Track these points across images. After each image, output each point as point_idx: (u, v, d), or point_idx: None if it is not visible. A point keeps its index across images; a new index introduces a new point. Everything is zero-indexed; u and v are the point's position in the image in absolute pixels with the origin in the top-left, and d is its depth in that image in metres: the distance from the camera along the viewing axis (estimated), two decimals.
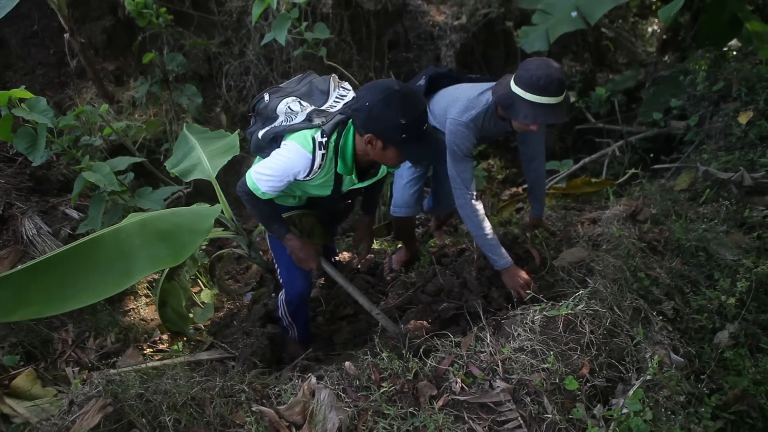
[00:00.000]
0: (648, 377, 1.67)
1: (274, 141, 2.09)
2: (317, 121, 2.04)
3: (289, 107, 2.12)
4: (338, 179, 2.11)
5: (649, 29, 6.91)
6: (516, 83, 2.08)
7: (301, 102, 2.14)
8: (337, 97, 2.19)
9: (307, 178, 2.02)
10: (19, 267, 1.96)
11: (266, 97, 2.24)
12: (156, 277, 3.56)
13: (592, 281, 2.12)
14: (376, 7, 5.10)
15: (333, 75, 2.30)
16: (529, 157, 2.58)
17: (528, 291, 2.17)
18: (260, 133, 2.16)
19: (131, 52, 4.94)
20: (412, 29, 5.24)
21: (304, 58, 4.68)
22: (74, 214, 3.80)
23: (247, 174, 2.06)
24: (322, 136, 1.96)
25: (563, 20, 4.25)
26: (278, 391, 1.88)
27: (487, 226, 2.33)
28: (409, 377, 1.76)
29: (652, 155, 4.39)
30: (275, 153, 2.02)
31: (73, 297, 1.98)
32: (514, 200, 3.98)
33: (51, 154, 3.10)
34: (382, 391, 1.73)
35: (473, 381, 1.72)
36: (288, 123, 2.08)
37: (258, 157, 2.26)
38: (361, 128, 1.88)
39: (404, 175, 2.80)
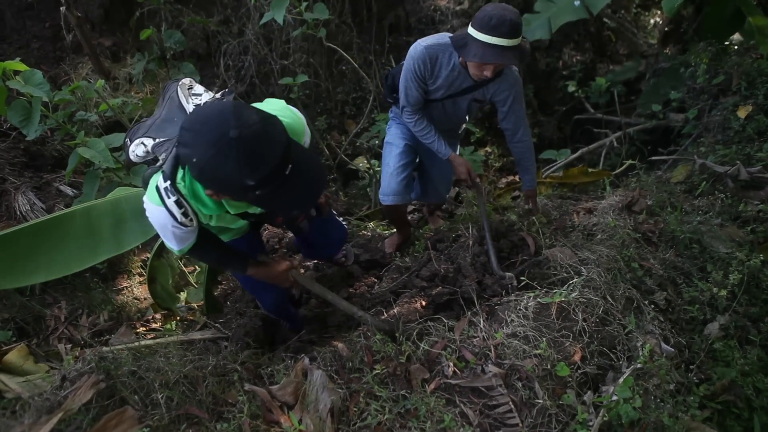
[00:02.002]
0: (638, 366, 1.68)
1: None
2: (162, 158, 1.61)
3: (136, 154, 1.73)
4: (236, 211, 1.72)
5: (651, 21, 6.88)
6: (471, 25, 2.15)
7: (144, 141, 1.71)
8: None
9: (190, 225, 1.62)
10: None
11: (127, 143, 1.80)
12: (150, 255, 3.56)
13: (586, 270, 2.13)
14: None
15: (182, 82, 1.79)
16: (513, 131, 2.59)
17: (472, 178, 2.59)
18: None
19: (128, 28, 4.88)
20: (414, 13, 5.19)
21: (303, 39, 4.64)
22: (68, 190, 3.77)
23: None
24: (165, 180, 1.52)
25: (566, 9, 4.22)
26: (271, 371, 1.89)
27: (424, 128, 2.53)
28: (401, 360, 1.77)
29: (649, 147, 4.40)
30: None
31: (35, 271, 2.02)
32: (511, 188, 3.98)
33: (45, 128, 3.07)
34: (374, 373, 1.74)
35: (465, 365, 1.73)
36: (149, 171, 1.69)
37: None
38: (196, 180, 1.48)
39: (390, 163, 2.77)
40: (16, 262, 1.95)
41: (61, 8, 4.11)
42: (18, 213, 3.54)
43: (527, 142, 2.64)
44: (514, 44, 2.10)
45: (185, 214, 1.55)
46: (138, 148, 1.72)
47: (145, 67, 4.35)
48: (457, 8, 5.25)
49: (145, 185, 1.63)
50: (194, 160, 1.31)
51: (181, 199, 1.53)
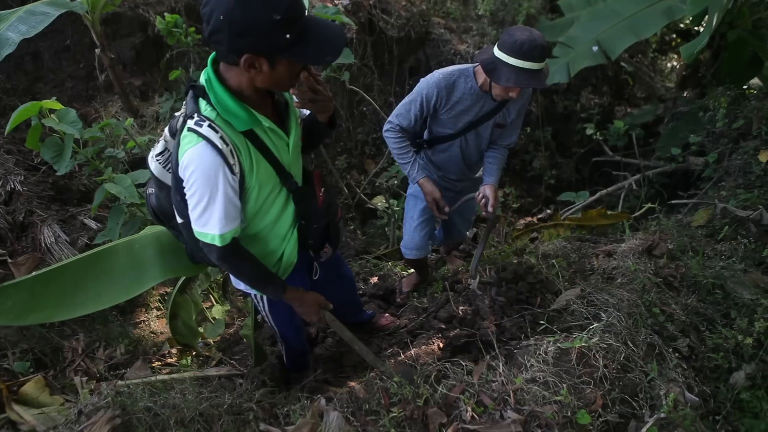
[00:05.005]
0: (662, 415, 1.64)
1: (179, 189, 1.56)
2: (174, 123, 1.62)
3: (154, 158, 1.73)
4: (269, 155, 1.61)
5: (668, 65, 6.95)
6: (499, 48, 2.15)
7: (159, 140, 1.75)
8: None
9: (236, 173, 1.51)
10: (34, 273, 2.01)
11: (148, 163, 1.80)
12: (168, 290, 3.59)
13: (606, 315, 2.10)
14: (399, 34, 5.20)
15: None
16: (509, 142, 2.61)
17: (437, 205, 2.46)
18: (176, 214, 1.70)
19: (158, 69, 5.06)
20: (434, 57, 5.32)
21: (326, 81, 4.76)
22: (92, 224, 3.85)
23: (195, 234, 1.59)
24: (192, 117, 1.47)
25: (584, 54, 4.30)
26: (287, 411, 1.87)
27: (403, 147, 2.47)
28: (419, 403, 1.74)
29: (669, 190, 4.37)
30: (186, 185, 1.51)
31: (83, 303, 2.04)
32: (529, 229, 3.96)
33: (75, 164, 3.17)
34: (391, 416, 1.71)
35: (484, 410, 1.70)
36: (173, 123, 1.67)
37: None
38: (230, 54, 1.40)
39: (414, 216, 2.77)
40: (65, 295, 1.99)
41: (96, 50, 4.30)
42: (43, 245, 3.62)
43: (504, 152, 2.65)
44: (543, 66, 2.15)
45: (224, 140, 1.45)
46: (154, 152, 1.72)
47: (173, 106, 4.49)
48: (477, 53, 5.37)
49: (177, 147, 1.52)
50: (221, 17, 1.31)
51: (213, 124, 1.46)
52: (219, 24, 1.32)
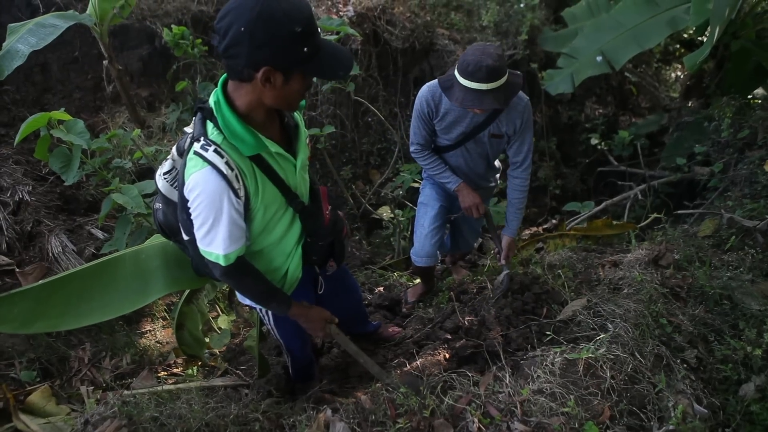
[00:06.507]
0: (670, 427, 1.63)
1: (185, 208, 1.57)
2: (182, 142, 1.66)
3: (162, 175, 1.76)
4: (275, 178, 1.63)
5: (673, 75, 6.96)
6: (456, 67, 2.19)
7: (166, 159, 1.78)
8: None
9: (241, 196, 1.53)
10: (40, 282, 2.02)
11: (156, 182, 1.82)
12: (174, 299, 3.60)
13: (613, 326, 2.09)
14: (404, 46, 5.23)
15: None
16: (521, 162, 2.57)
17: (479, 212, 2.59)
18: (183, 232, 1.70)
19: (165, 80, 5.10)
20: (438, 67, 5.34)
21: (331, 92, 4.79)
22: (99, 233, 3.87)
23: (201, 252, 1.60)
24: (198, 141, 1.49)
25: (588, 64, 4.31)
26: (293, 422, 1.87)
27: (432, 162, 2.59)
28: (425, 414, 1.74)
29: (674, 200, 4.37)
30: (191, 207, 1.53)
31: (89, 313, 2.05)
32: (535, 240, 3.95)
33: (82, 174, 3.19)
34: (397, 427, 1.71)
35: (491, 422, 1.70)
36: (181, 142, 1.71)
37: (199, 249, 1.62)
38: (246, 68, 1.39)
39: (425, 224, 2.76)
40: (70, 305, 2.00)
41: (103, 61, 4.34)
42: (50, 255, 3.64)
43: (527, 178, 2.61)
44: (495, 87, 2.13)
45: (229, 165, 1.46)
46: (162, 170, 1.76)
47: (179, 117, 4.52)
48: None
49: (183, 168, 1.54)
50: (242, 29, 1.31)
51: (219, 148, 1.47)
52: (239, 36, 1.32)
